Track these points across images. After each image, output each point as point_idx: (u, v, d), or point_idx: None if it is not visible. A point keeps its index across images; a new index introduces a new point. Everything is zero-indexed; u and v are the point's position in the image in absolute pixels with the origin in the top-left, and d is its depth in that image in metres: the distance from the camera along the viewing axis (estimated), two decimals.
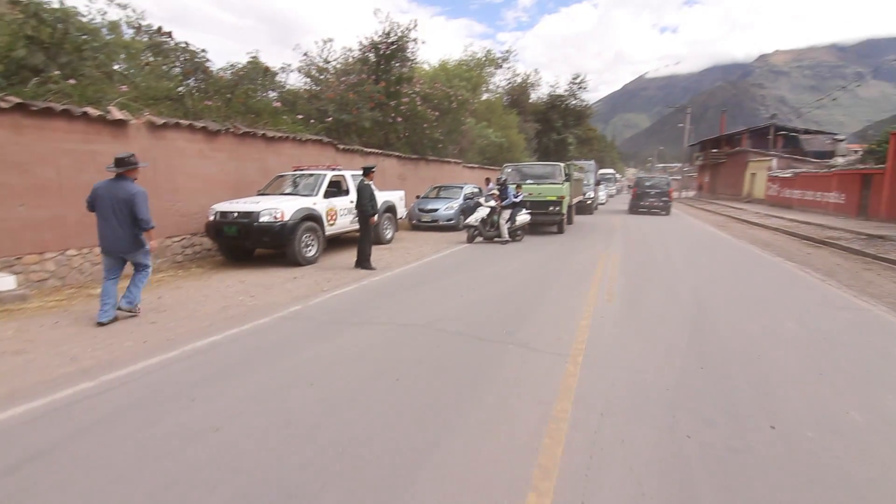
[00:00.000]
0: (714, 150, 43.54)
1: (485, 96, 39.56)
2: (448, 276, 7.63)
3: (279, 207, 8.24)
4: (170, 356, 4.14)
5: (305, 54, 16.73)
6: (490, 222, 11.86)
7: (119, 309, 5.12)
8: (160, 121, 8.25)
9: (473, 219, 11.56)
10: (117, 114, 7.53)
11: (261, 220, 8.09)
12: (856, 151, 31.09)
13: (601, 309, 5.70)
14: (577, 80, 53.35)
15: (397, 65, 16.45)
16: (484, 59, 34.96)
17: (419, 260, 9.16)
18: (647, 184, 23.78)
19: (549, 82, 48.81)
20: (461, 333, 4.72)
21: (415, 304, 5.92)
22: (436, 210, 14.42)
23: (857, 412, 3.24)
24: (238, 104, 10.96)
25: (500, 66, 42.89)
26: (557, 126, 52.40)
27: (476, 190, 15.71)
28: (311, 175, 9.88)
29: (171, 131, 8.55)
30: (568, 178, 13.71)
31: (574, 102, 54.58)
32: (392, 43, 15.80)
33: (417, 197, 15.82)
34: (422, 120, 17.68)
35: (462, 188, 15.59)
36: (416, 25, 15.97)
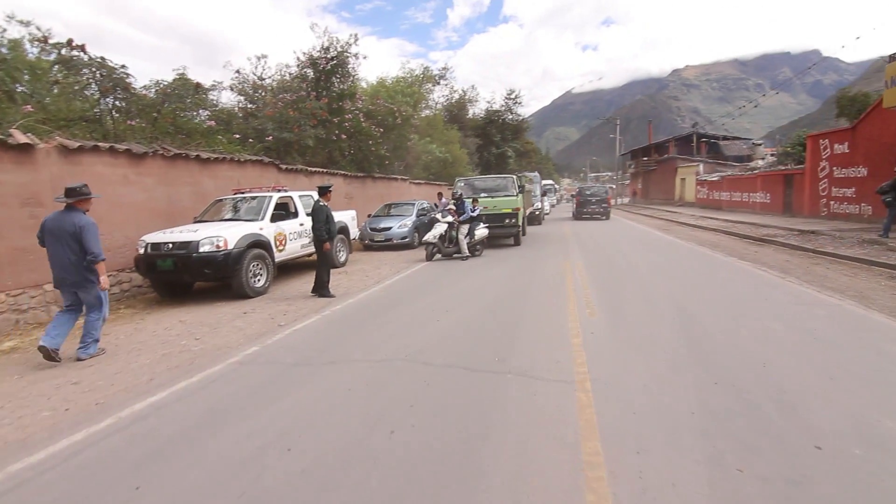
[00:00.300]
0: (645, 159, 45.97)
1: (425, 113, 39.49)
2: (416, 299, 7.09)
3: (221, 235, 7.39)
4: (100, 427, 3.34)
5: (238, 71, 15.78)
6: (448, 238, 11.46)
7: (79, 360, 4.80)
8: (74, 144, 7.21)
9: (431, 235, 11.11)
10: (21, 137, 6.46)
11: (201, 249, 7.20)
12: (772, 154, 33.71)
13: (587, 324, 5.38)
14: (513, 96, 54.87)
15: (338, 80, 15.86)
16: (422, 75, 34.98)
17: (380, 283, 8.55)
18: (588, 193, 26.61)
19: (486, 98, 50.48)
20: (450, 366, 4.21)
21: (388, 334, 5.34)
22: (389, 229, 13.84)
23: (889, 419, 3.04)
24: (166, 124, 9.97)
25: (438, 83, 43.07)
26: (496, 140, 53.50)
27: (429, 205, 15.28)
28: (255, 198, 9.06)
29: (89, 155, 7.51)
30: (521, 189, 13.62)
31: (511, 117, 56.10)
32: (332, 58, 15.21)
33: (369, 216, 15.18)
34: (366, 137, 17.14)
35: (414, 205, 15.12)
36: (356, 40, 15.50)
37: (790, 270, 8.53)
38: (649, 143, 48.51)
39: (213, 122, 11.37)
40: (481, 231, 11.78)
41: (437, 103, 41.91)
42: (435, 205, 16.03)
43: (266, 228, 8.38)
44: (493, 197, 13.23)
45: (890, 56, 13.08)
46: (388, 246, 13.94)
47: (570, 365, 4.12)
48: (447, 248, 11.42)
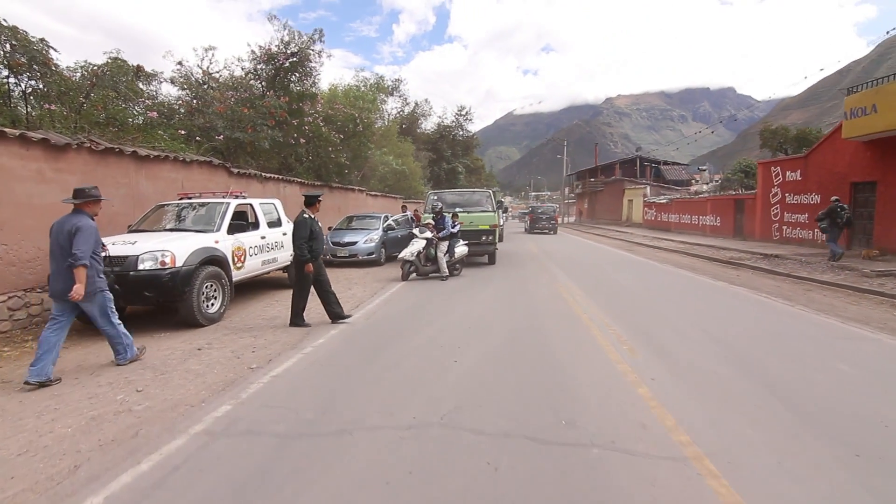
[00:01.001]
0: (592, 179, 47.23)
1: (378, 123, 38.33)
2: (413, 331, 5.96)
3: (168, 249, 5.92)
4: None
5: (180, 63, 13.94)
6: (426, 256, 10.39)
7: (119, 365, 4.58)
8: None
9: (409, 253, 9.99)
10: None
11: (141, 266, 5.70)
12: (716, 180, 35.46)
13: (638, 367, 4.52)
14: (463, 112, 55.06)
15: (297, 79, 14.46)
16: (375, 84, 33.85)
17: (359, 308, 7.32)
18: (540, 211, 32.36)
19: (437, 113, 50.19)
20: (508, 435, 3.15)
21: (401, 381, 4.19)
22: (354, 243, 12.55)
23: None
24: (95, 112, 8.25)
25: (392, 94, 42.18)
26: (447, 155, 53.25)
27: (401, 219, 14.12)
28: (207, 205, 7.59)
29: None
30: (500, 204, 12.81)
31: (461, 133, 56.17)
32: (292, 54, 13.82)
33: (330, 229, 13.79)
34: (326, 143, 15.78)
35: (380, 218, 13.92)
36: (321, 36, 14.15)
37: (792, 297, 8.21)
38: (595, 164, 50.03)
39: (154, 114, 9.68)
40: (461, 248, 10.82)
41: (389, 115, 40.91)
42: (410, 218, 14.90)
43: (222, 242, 6.95)
44: (468, 212, 12.34)
45: (848, 89, 13.65)
46: (353, 262, 12.64)
47: (663, 430, 3.20)
48: (425, 266, 10.35)
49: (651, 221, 32.64)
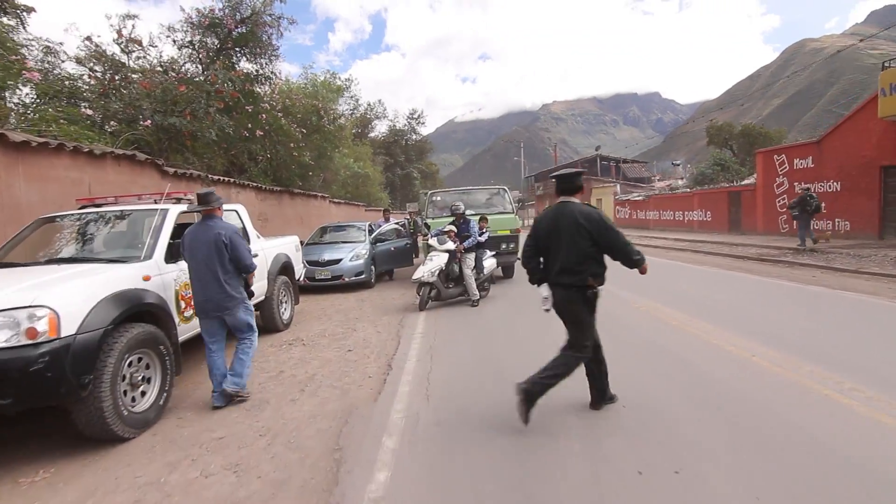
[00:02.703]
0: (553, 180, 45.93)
1: (328, 127, 34.94)
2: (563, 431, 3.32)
3: (43, 301, 2.95)
4: None
5: (89, 39, 10.28)
6: (447, 274, 7.74)
7: (223, 393, 3.86)
8: None
9: (427, 272, 7.27)
10: None
11: None
12: (683, 177, 34.93)
13: None
14: (416, 116, 52.60)
15: (247, 54, 11.35)
16: (327, 80, 30.54)
17: (393, 369, 4.57)
18: None
19: (388, 116, 47.38)
20: None
21: None
22: (337, 261, 9.64)
23: None
24: None
25: (342, 94, 38.98)
26: (401, 160, 50.52)
27: (386, 229, 11.31)
28: (128, 216, 4.62)
29: None
30: (521, 203, 10.26)
31: (415, 137, 53.61)
32: (243, 20, 10.68)
33: (302, 244, 10.78)
34: (286, 138, 12.74)
35: (364, 229, 11.06)
36: None
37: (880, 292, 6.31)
38: (555, 165, 48.97)
39: (35, 75, 6.41)
40: (490, 262, 8.24)
41: (342, 116, 37.66)
42: (404, 225, 12.06)
43: (157, 276, 4.00)
44: (483, 215, 9.81)
45: (883, 63, 12.36)
46: (337, 286, 9.73)
47: None
48: (448, 288, 7.68)
49: (626, 220, 31.46)
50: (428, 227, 9.30)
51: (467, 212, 9.78)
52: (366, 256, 9.96)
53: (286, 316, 6.61)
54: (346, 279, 9.62)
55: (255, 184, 11.75)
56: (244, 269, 3.99)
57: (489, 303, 7.76)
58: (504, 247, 9.71)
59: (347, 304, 8.33)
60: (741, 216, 19.60)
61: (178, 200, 4.94)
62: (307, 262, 9.70)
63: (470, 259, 7.70)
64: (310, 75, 26.04)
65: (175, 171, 8.27)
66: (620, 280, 5.79)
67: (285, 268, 6.63)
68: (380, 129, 46.02)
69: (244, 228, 5.78)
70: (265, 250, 6.10)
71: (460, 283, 7.74)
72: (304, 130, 13.73)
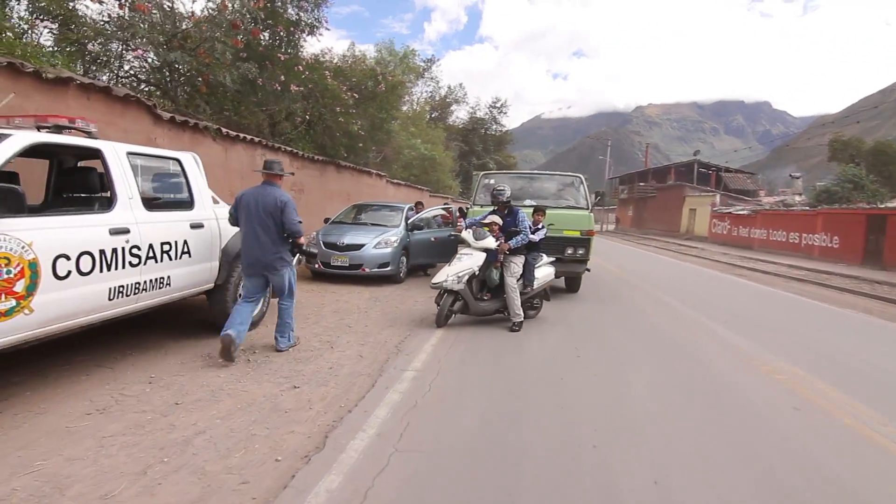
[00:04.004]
0: (641, 184, 41.74)
1: (405, 108, 33.65)
2: None
3: None
4: None
5: None
6: (482, 281, 5.66)
7: (279, 351, 4.17)
8: None
9: (454, 276, 5.22)
10: None
11: None
12: (800, 193, 29.90)
13: None
14: (499, 104, 50.13)
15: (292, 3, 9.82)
16: (404, 57, 29.05)
17: (314, 442, 2.65)
18: None
19: (469, 104, 45.32)
20: None
21: None
22: (359, 247, 7.86)
23: None
24: None
25: (422, 76, 37.55)
26: (478, 150, 48.40)
27: (425, 216, 9.38)
28: None
29: None
30: (601, 197, 7.89)
31: (495, 127, 51.19)
32: None
33: (326, 221, 9.17)
34: (333, 101, 11.16)
35: (401, 210, 9.22)
36: None
37: None
38: (646, 167, 44.62)
39: None
40: (545, 271, 6.03)
41: (420, 98, 36.25)
42: (451, 211, 9.99)
43: None
44: (546, 209, 7.58)
45: None
46: (356, 276, 7.97)
47: None
48: (480, 299, 5.59)
49: (722, 236, 27.28)
50: (464, 212, 7.19)
51: (528, 202, 7.63)
52: (395, 245, 8.10)
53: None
54: (367, 270, 7.81)
55: (289, 148, 10.28)
56: (291, 234, 4.15)
57: (537, 328, 5.58)
58: (570, 252, 7.42)
59: (354, 303, 6.50)
60: (883, 246, 15.53)
61: (60, 129, 3.26)
62: (324, 243, 8.04)
63: (516, 264, 5.55)
64: (382, 46, 24.63)
65: (173, 118, 6.84)
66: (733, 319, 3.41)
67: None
68: (458, 114, 44.23)
69: (187, 183, 4.08)
70: (221, 220, 4.37)
71: (499, 296, 5.61)
72: (357, 95, 12.10)
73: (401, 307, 6.39)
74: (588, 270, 7.79)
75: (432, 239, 9.20)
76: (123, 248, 3.29)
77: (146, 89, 7.67)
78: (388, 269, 7.97)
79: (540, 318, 5.98)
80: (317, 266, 8.01)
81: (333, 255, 7.86)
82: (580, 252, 7.45)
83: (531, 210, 6.30)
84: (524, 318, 5.55)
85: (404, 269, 8.51)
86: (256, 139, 9.02)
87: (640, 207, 42.21)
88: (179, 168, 4.09)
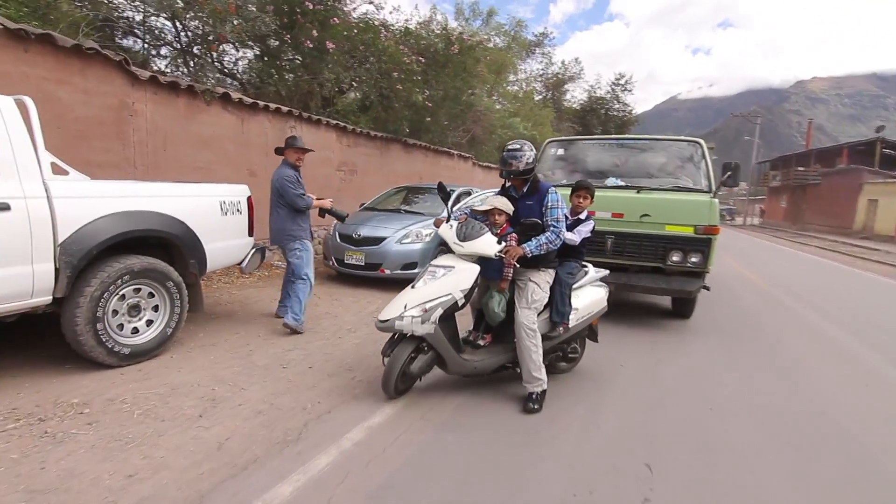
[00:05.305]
0: (800, 169, 34.12)
1: (513, 88, 31.17)
2: None
3: None
4: None
5: None
6: (478, 317, 3.34)
7: (286, 326, 4.17)
8: None
9: (417, 307, 2.89)
10: None
11: None
12: None
13: None
14: (621, 81, 44.77)
15: None
16: (512, 32, 26.50)
17: None
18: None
19: (588, 81, 40.73)
20: None
21: None
22: (379, 241, 6.04)
23: None
24: None
25: (532, 52, 34.67)
26: (597, 132, 43.78)
27: (474, 203, 7.23)
28: None
29: None
30: (731, 173, 5.00)
31: (617, 107, 45.91)
32: None
33: (362, 207, 7.51)
34: (393, 65, 9.44)
35: (454, 192, 7.17)
36: None
37: None
38: (808, 148, 36.52)
39: None
40: (591, 294, 3.53)
41: (529, 75, 33.40)
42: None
43: None
44: (639, 190, 5.01)
45: None
46: (373, 278, 6.17)
47: None
48: (472, 347, 3.32)
49: None
50: (447, 193, 4.11)
51: (610, 181, 5.20)
52: (428, 240, 6.12)
53: (136, 341, 3.28)
54: (388, 271, 5.96)
55: (336, 122, 8.79)
56: (299, 209, 4.26)
57: (573, 402, 3.20)
58: (676, 259, 4.79)
59: (339, 319, 4.67)
60: None
61: None
62: (340, 235, 6.35)
63: (537, 284, 3.16)
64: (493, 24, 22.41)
65: (154, 78, 5.59)
66: None
67: (156, 242, 3.27)
68: (574, 94, 40.22)
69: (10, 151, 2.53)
70: (64, 201, 2.78)
71: (505, 340, 3.27)
72: (423, 59, 10.25)
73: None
74: (706, 289, 5.05)
75: None
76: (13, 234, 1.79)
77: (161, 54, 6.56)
78: (416, 270, 6.02)
79: (581, 375, 3.57)
80: (330, 263, 6.36)
81: (347, 250, 6.13)
82: (693, 260, 4.77)
83: (569, 190, 3.78)
84: (545, 384, 3.12)
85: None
86: (285, 109, 7.62)
87: (798, 197, 34.56)
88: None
